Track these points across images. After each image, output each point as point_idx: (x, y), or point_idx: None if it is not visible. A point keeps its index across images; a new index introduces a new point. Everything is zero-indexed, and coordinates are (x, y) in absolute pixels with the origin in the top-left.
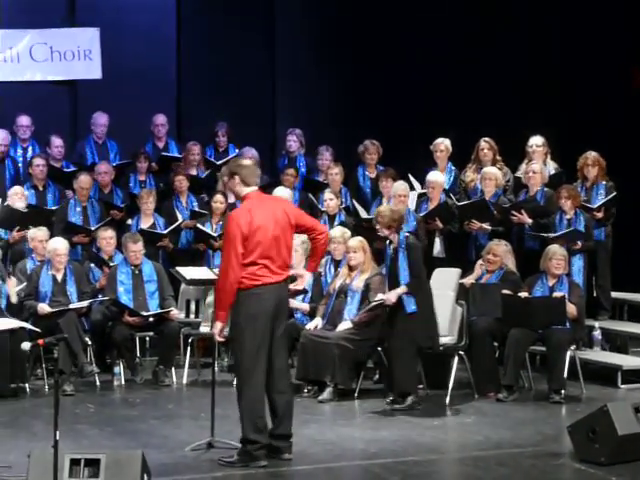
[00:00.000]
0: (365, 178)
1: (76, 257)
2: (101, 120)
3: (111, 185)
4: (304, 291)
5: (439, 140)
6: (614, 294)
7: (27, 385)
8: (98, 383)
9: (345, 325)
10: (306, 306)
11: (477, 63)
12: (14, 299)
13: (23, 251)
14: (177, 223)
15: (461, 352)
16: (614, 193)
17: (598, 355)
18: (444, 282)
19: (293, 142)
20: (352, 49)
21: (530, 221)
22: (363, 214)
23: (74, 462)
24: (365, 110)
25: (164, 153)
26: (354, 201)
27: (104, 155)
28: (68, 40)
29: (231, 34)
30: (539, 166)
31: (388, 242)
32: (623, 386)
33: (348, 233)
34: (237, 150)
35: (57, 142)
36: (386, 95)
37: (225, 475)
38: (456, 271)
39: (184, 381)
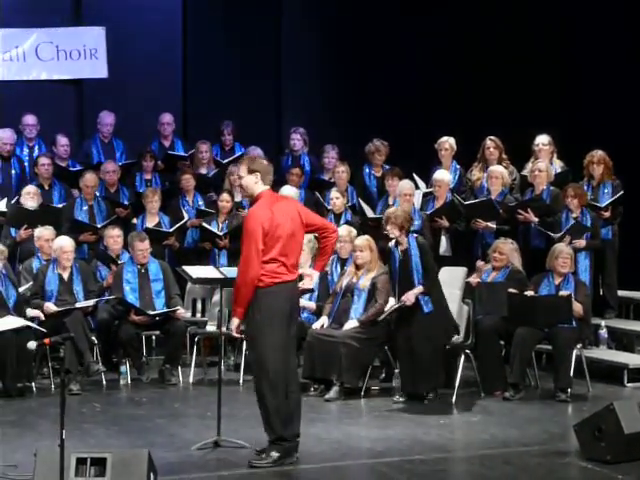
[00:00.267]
0: (371, 177)
1: (82, 256)
2: (107, 119)
3: (117, 184)
4: (310, 290)
5: (443, 139)
6: (620, 293)
7: (33, 384)
8: (104, 382)
9: (351, 324)
10: (313, 305)
11: (482, 62)
12: None
13: (32, 250)
14: (182, 221)
15: (467, 351)
16: (621, 192)
17: (604, 354)
18: (450, 281)
19: (297, 141)
20: (357, 48)
21: (536, 220)
22: (369, 213)
23: (80, 461)
24: (369, 109)
25: (170, 152)
26: (360, 200)
27: (110, 154)
28: (74, 39)
29: (237, 33)
30: (545, 165)
31: (395, 243)
32: (629, 385)
33: (354, 232)
34: (243, 149)
35: (63, 141)
36: (391, 94)
37: (232, 474)
38: (462, 270)
39: (190, 380)
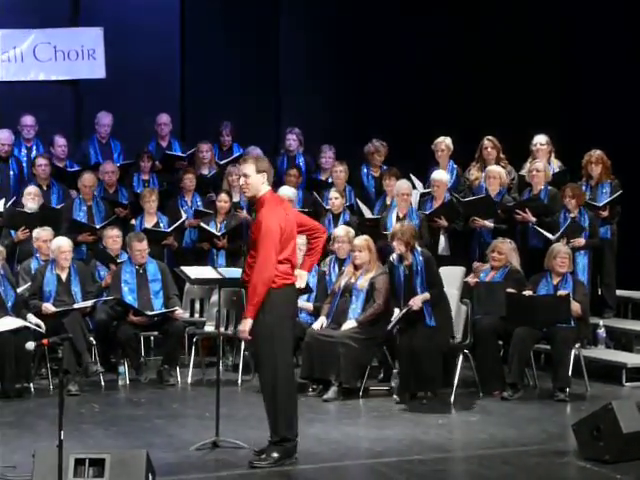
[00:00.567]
0: (369, 177)
1: (80, 256)
2: (105, 120)
3: (116, 185)
4: (309, 290)
5: (440, 139)
6: (619, 292)
7: (32, 385)
8: (103, 383)
9: (350, 324)
10: (310, 305)
11: (481, 62)
12: None
13: (30, 250)
14: (180, 221)
15: (466, 351)
16: (619, 191)
17: (603, 353)
18: (449, 280)
19: (293, 141)
20: (356, 48)
21: (534, 220)
22: (367, 213)
23: (79, 462)
24: (368, 109)
25: (168, 152)
26: (358, 200)
27: (108, 155)
28: (72, 40)
29: (235, 33)
30: (542, 164)
31: (397, 258)
32: (628, 384)
33: (352, 232)
34: (241, 149)
35: (60, 142)
36: (389, 94)
37: (230, 474)
38: (461, 269)
39: (189, 380)
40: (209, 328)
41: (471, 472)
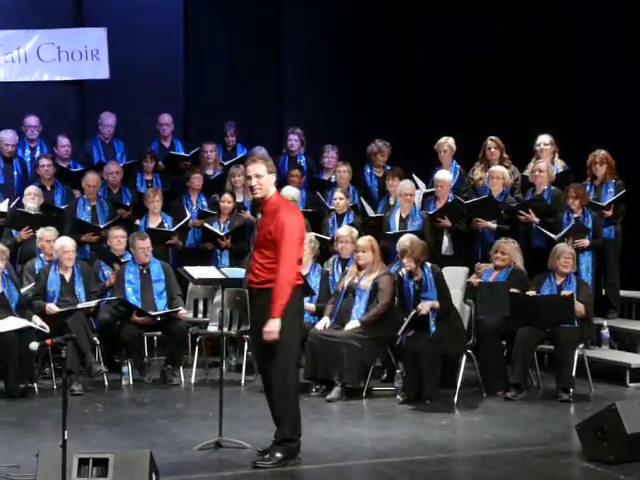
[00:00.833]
0: (372, 177)
1: (84, 256)
2: (108, 120)
3: (120, 185)
4: (312, 293)
5: (442, 140)
6: (623, 292)
7: (35, 385)
8: (106, 383)
9: (353, 324)
10: (312, 306)
11: (484, 62)
12: None
13: (33, 250)
14: (184, 220)
15: (469, 351)
16: (623, 191)
17: (606, 354)
18: (452, 281)
19: (294, 141)
20: (357, 48)
21: (537, 220)
22: (371, 213)
23: (82, 462)
24: (370, 109)
25: (172, 152)
26: (362, 199)
27: (111, 155)
28: (76, 40)
29: (238, 34)
30: (545, 164)
31: (407, 273)
32: (632, 384)
33: (355, 232)
34: (245, 149)
35: (64, 142)
36: (391, 94)
37: (233, 474)
38: (464, 270)
39: (192, 380)
40: (212, 328)
41: (474, 472)
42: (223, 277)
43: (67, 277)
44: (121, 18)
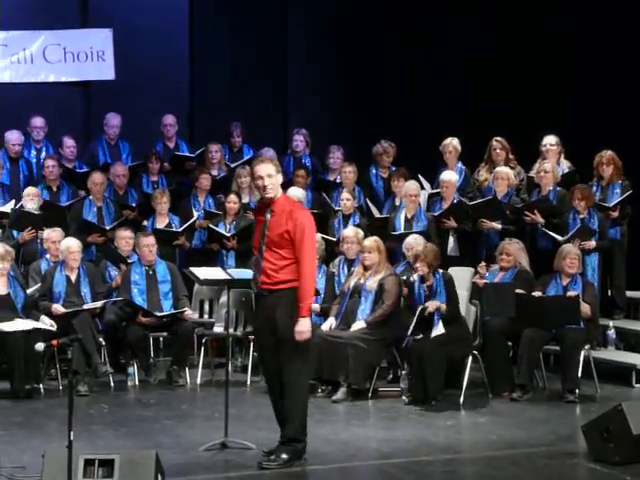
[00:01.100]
0: (378, 178)
1: (90, 257)
2: (114, 121)
3: (126, 186)
4: (317, 293)
5: (447, 141)
6: (629, 293)
7: (41, 386)
8: (112, 383)
9: (359, 325)
10: (317, 306)
11: (483, 62)
12: None
13: (35, 251)
14: (191, 220)
15: (475, 352)
16: (630, 191)
17: (612, 354)
18: (457, 281)
19: (300, 142)
20: (362, 49)
21: (543, 221)
22: (376, 213)
23: (88, 462)
24: (376, 110)
25: (177, 152)
26: (368, 200)
27: (116, 156)
28: (81, 41)
29: (243, 35)
30: (551, 165)
31: (419, 278)
32: (637, 385)
33: (361, 233)
34: (251, 150)
35: (69, 143)
36: (397, 94)
37: (239, 475)
38: (469, 270)
39: (198, 381)
40: (218, 329)
41: (480, 473)
42: (229, 278)
43: (73, 278)
44: (126, 19)
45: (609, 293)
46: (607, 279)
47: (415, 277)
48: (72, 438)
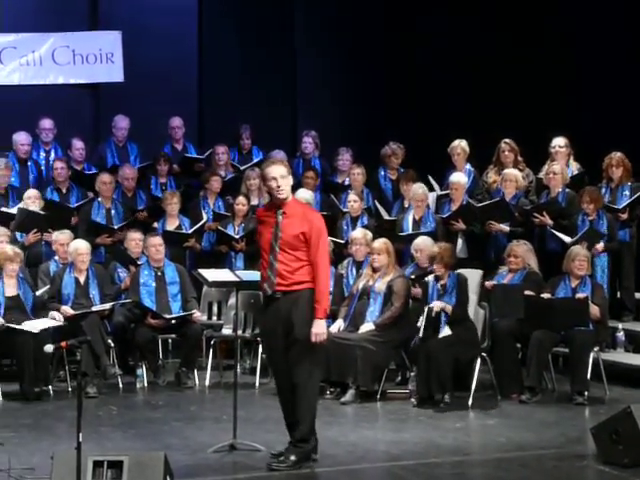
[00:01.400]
0: (386, 180)
1: (99, 259)
2: (122, 123)
3: (134, 189)
4: None
5: (455, 143)
6: (638, 295)
7: (50, 387)
8: (121, 385)
9: (367, 327)
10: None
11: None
12: None
13: (40, 254)
14: (201, 222)
15: (484, 354)
16: (639, 193)
17: (621, 356)
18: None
19: (309, 144)
20: (370, 52)
21: (552, 223)
22: (385, 215)
23: (97, 464)
24: (385, 111)
25: (186, 154)
26: (376, 202)
27: (124, 158)
28: (90, 43)
29: (252, 36)
30: (559, 167)
31: (434, 278)
32: None
33: (370, 235)
34: (261, 153)
35: (78, 145)
36: (405, 97)
37: (247, 477)
38: (478, 272)
39: (206, 383)
40: (227, 331)
41: (489, 475)
42: (237, 280)
43: (82, 280)
44: (135, 21)
45: (618, 295)
46: (616, 281)
47: (430, 279)
48: (81, 440)
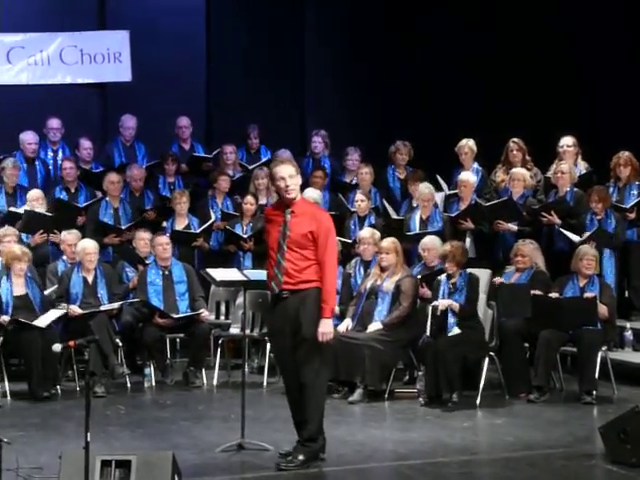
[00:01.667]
0: (395, 179)
1: (107, 259)
2: (129, 123)
3: (142, 188)
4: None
5: (463, 142)
6: None
7: (58, 387)
8: (129, 385)
9: (375, 326)
10: (336, 308)
11: (501, 64)
12: None
13: (46, 254)
14: (209, 222)
15: (492, 353)
16: None
17: (630, 356)
18: None
19: (318, 143)
20: (380, 49)
21: (559, 222)
22: (393, 214)
23: (105, 463)
24: (393, 111)
25: (195, 154)
26: (384, 201)
27: (132, 157)
28: (98, 43)
29: (260, 36)
30: (568, 166)
31: (446, 276)
32: None
33: (378, 234)
34: (269, 152)
35: (86, 144)
36: (414, 96)
37: (255, 476)
38: (487, 272)
39: (214, 382)
40: (235, 330)
41: (496, 475)
42: (245, 279)
43: (90, 279)
44: (143, 21)
45: (626, 294)
46: (624, 280)
47: (443, 278)
48: (89, 439)
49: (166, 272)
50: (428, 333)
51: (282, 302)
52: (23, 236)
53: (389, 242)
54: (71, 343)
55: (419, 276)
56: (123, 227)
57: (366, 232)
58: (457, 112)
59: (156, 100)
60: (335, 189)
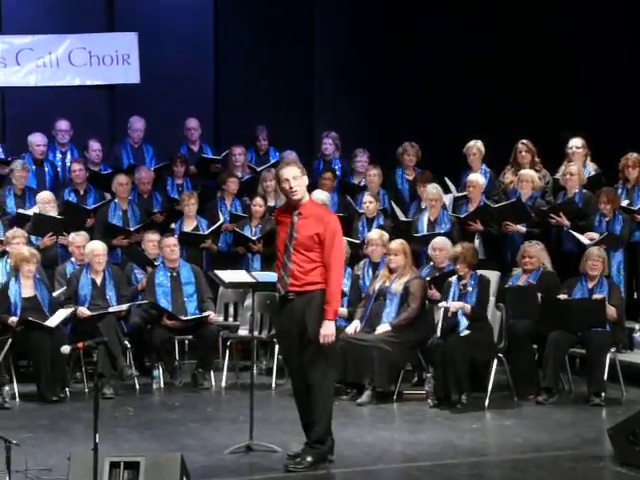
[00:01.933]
0: (403, 181)
1: (116, 261)
2: (137, 125)
3: (150, 191)
4: (342, 294)
5: (471, 143)
6: None
7: (67, 389)
8: (137, 386)
9: (384, 328)
10: (344, 311)
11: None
12: None
13: (55, 257)
14: (217, 224)
15: (500, 355)
16: None
17: (638, 357)
18: None
19: (329, 145)
20: (389, 51)
21: (568, 223)
22: (402, 216)
23: (114, 465)
24: (401, 112)
25: (203, 155)
26: (393, 203)
27: (140, 159)
28: (107, 45)
29: (269, 37)
30: (576, 168)
31: (457, 278)
32: None
33: (386, 236)
34: (278, 154)
35: (95, 146)
36: (423, 97)
37: (264, 478)
38: (495, 274)
39: (223, 384)
40: (243, 332)
41: (505, 476)
42: (253, 281)
43: (98, 281)
44: (152, 23)
45: (635, 296)
46: (633, 282)
47: (454, 279)
48: (98, 441)
49: (174, 274)
50: (439, 334)
51: (289, 304)
52: (32, 238)
53: (397, 244)
54: (80, 345)
55: (428, 279)
56: (132, 229)
57: (374, 234)
58: (457, 112)
59: (164, 102)
60: (343, 191)
